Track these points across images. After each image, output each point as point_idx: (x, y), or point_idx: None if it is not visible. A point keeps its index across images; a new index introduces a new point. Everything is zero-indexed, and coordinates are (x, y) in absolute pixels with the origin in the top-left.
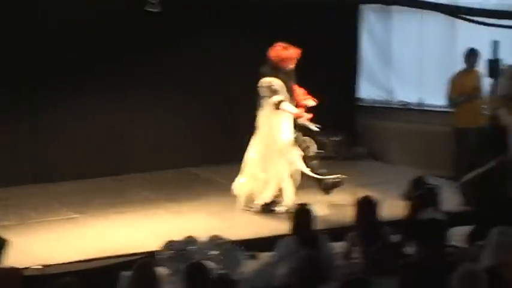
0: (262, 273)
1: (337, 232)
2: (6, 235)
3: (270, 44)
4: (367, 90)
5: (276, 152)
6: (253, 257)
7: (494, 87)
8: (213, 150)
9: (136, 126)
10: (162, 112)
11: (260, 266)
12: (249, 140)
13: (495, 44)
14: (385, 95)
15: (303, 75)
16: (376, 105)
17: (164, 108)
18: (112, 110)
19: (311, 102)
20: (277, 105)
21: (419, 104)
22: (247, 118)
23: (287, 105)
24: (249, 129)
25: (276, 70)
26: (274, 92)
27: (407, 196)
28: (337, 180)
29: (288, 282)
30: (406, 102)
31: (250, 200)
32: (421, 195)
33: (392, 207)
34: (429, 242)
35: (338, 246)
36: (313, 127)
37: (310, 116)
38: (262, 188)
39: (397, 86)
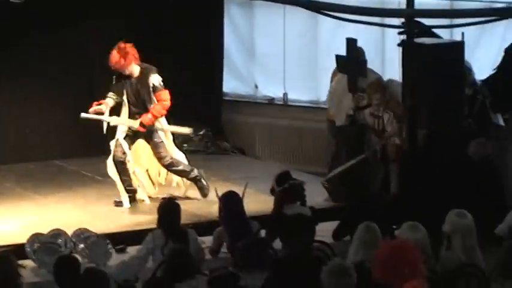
0: (130, 267)
1: (205, 226)
2: None
3: (131, 36)
4: (231, 85)
5: None
6: (121, 251)
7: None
8: (78, 143)
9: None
10: (27, 103)
11: (128, 259)
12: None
13: (349, 42)
14: (250, 90)
15: (167, 70)
16: (240, 99)
17: (29, 99)
18: None
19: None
20: None
21: (284, 99)
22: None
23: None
24: None
25: None
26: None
27: (272, 191)
28: None
29: (156, 275)
30: (271, 97)
31: None
32: (285, 190)
33: (258, 202)
34: (296, 237)
35: (206, 241)
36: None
37: (95, 108)
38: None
39: (262, 81)
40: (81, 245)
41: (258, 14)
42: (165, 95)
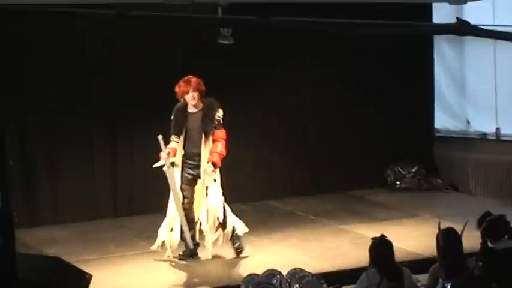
0: None
1: (420, 264)
2: (88, 269)
3: (346, 74)
4: (442, 121)
5: None
6: None
7: None
8: (291, 183)
9: None
10: (238, 144)
11: None
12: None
13: None
14: (461, 125)
15: (379, 107)
16: (452, 135)
17: (240, 140)
18: None
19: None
20: None
21: (496, 134)
22: (324, 149)
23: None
24: (325, 161)
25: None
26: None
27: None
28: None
29: None
30: (483, 132)
31: None
32: (485, 228)
33: (473, 239)
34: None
35: (421, 279)
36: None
37: (163, 159)
38: None
39: (473, 116)
40: (296, 285)
41: (468, 48)
42: (224, 133)
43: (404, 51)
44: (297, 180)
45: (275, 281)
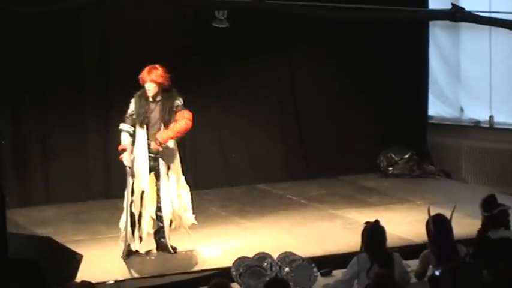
0: None
1: (410, 250)
2: (79, 250)
3: (341, 60)
4: (436, 108)
5: None
6: (326, 274)
7: None
8: (283, 167)
9: (206, 142)
10: (232, 128)
11: (334, 283)
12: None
13: None
14: (455, 113)
15: (373, 93)
16: (445, 122)
17: (234, 124)
18: None
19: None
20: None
21: (490, 122)
22: (317, 134)
23: (122, 135)
24: (318, 146)
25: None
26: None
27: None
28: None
29: None
30: (477, 120)
31: None
32: (493, 216)
33: (463, 225)
34: (503, 262)
35: (412, 264)
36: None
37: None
38: None
39: (467, 104)
40: (287, 269)
41: (463, 35)
42: (184, 114)
43: (399, 37)
44: (289, 165)
45: (265, 264)
